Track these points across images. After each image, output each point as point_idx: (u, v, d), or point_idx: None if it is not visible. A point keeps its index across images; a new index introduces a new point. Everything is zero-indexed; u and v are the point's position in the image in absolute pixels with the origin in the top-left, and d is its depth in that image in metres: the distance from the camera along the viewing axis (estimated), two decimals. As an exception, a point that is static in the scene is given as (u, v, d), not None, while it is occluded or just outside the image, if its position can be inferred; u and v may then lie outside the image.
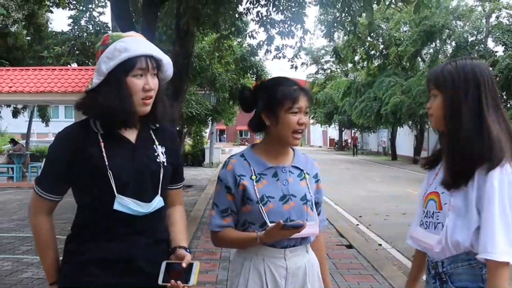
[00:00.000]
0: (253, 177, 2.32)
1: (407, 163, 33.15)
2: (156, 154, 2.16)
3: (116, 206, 2.03)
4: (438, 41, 27.17)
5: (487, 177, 1.93)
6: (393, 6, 7.94)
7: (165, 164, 2.16)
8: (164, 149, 2.20)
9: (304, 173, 2.43)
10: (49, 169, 2.15)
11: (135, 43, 2.09)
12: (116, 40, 2.10)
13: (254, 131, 2.44)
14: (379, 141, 47.70)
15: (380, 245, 8.62)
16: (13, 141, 21.37)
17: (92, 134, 2.10)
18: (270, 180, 2.33)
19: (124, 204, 2.04)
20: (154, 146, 2.18)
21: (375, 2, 5.45)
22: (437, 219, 2.10)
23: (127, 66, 2.05)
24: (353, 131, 47.46)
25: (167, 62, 2.18)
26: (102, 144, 2.08)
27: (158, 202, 2.11)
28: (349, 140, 60.52)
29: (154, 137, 2.20)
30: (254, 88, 2.45)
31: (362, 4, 5.78)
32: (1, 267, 6.59)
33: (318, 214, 2.47)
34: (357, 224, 10.63)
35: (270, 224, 2.21)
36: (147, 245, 2.11)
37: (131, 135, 2.15)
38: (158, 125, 2.23)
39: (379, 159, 38.48)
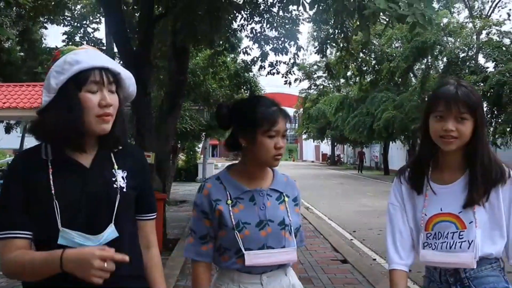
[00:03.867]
0: (229, 201, 2.20)
1: (400, 178, 33.19)
2: (113, 179, 1.93)
3: (60, 241, 1.78)
4: (429, 57, 27.43)
5: (503, 192, 2.19)
6: (390, 26, 8.07)
7: (124, 190, 1.93)
8: (125, 174, 1.97)
9: (283, 196, 2.30)
10: (3, 203, 1.86)
11: (87, 55, 1.87)
12: (67, 53, 1.89)
13: (229, 150, 2.33)
14: (371, 156, 47.88)
15: (375, 259, 8.67)
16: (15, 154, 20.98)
17: (41, 161, 1.88)
18: (246, 205, 2.22)
19: (69, 238, 1.79)
20: (113, 170, 1.95)
21: (372, 22, 5.56)
22: (461, 238, 2.17)
23: (80, 79, 1.82)
24: (356, 147, 47.27)
25: (128, 77, 1.97)
26: (51, 171, 1.85)
27: (110, 233, 1.85)
28: (341, 155, 60.74)
29: (113, 160, 1.97)
30: (232, 106, 2.31)
31: (358, 23, 5.87)
32: (-3, 283, 6.59)
33: (296, 238, 2.32)
34: (351, 239, 10.68)
35: (245, 252, 2.14)
36: (108, 283, 1.73)
37: (86, 159, 1.92)
38: (120, 147, 2.01)
39: (371, 174, 38.60)
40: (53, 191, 1.81)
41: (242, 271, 2.20)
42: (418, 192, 2.28)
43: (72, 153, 1.90)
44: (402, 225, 2.32)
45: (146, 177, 2.11)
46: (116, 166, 1.96)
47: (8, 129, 26.74)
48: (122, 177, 1.96)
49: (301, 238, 2.42)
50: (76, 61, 1.83)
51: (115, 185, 1.92)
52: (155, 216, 2.15)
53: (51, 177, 1.84)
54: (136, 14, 12.87)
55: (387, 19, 5.27)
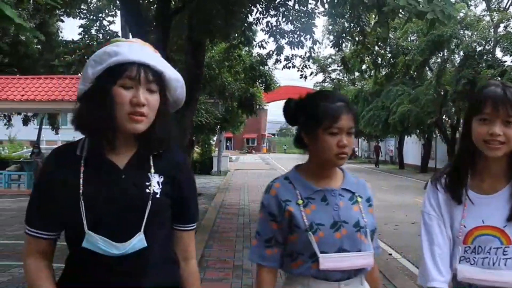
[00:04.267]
0: (300, 201, 2.05)
1: (415, 172, 33.18)
2: (147, 183, 1.79)
3: (85, 244, 1.70)
4: (446, 50, 27.23)
5: None
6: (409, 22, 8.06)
7: (157, 196, 1.79)
8: (162, 179, 1.83)
9: (356, 197, 2.15)
10: (34, 201, 1.83)
11: (129, 48, 1.76)
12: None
13: (298, 147, 2.20)
14: (386, 150, 47.70)
15: (391, 254, 8.68)
16: (36, 147, 20.32)
17: (75, 157, 1.79)
18: (318, 205, 2.06)
19: (94, 242, 1.70)
20: (149, 174, 1.81)
21: (391, 18, 5.54)
22: (505, 255, 2.00)
23: (115, 72, 1.71)
24: (372, 141, 47.02)
25: (174, 78, 1.84)
26: (82, 169, 1.76)
27: (137, 241, 1.73)
28: (356, 149, 60.59)
29: (151, 163, 1.83)
30: (298, 101, 2.16)
31: (376, 19, 5.87)
32: (18, 274, 6.70)
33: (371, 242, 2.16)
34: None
35: (320, 255, 1.99)
36: None
37: (122, 159, 1.81)
38: (161, 151, 1.87)
39: (386, 168, 38.47)
40: (81, 191, 1.71)
41: (318, 278, 2.04)
42: (458, 202, 2.08)
43: (107, 152, 1.78)
44: (440, 238, 2.10)
45: (187, 184, 1.94)
46: (153, 170, 1.83)
47: (25, 121, 27.06)
48: (158, 182, 1.82)
49: (377, 243, 2.22)
50: (115, 53, 1.73)
51: (147, 190, 1.78)
52: (194, 226, 2.02)
53: (81, 175, 1.74)
54: (152, 7, 12.94)
55: (406, 16, 5.25)
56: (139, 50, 1.77)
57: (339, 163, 2.08)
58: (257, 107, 22.89)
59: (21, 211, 9.68)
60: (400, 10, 4.92)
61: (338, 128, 2.00)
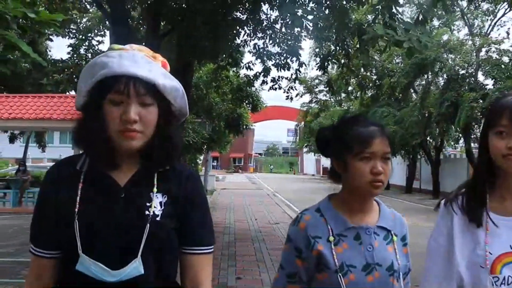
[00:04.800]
0: (331, 238, 1.87)
1: (400, 192, 33.51)
2: (148, 204, 1.65)
3: (78, 267, 1.58)
4: (430, 73, 27.69)
5: None
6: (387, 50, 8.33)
7: (157, 218, 1.64)
8: (166, 199, 1.68)
9: (391, 235, 1.97)
10: (35, 217, 1.74)
11: (119, 59, 1.62)
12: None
13: (333, 180, 2.03)
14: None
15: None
16: (22, 165, 19.90)
17: (75, 172, 1.69)
18: (351, 244, 1.88)
19: (87, 266, 1.57)
20: (151, 193, 1.67)
21: (371, 46, 5.81)
22: None
23: (104, 86, 1.59)
24: None
25: (171, 86, 1.68)
26: (80, 185, 1.65)
27: (132, 268, 1.57)
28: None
29: (155, 181, 1.69)
30: (330, 127, 2.02)
31: (358, 47, 6.14)
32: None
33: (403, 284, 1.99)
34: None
35: None
36: None
37: (123, 177, 1.68)
38: (168, 168, 1.73)
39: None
40: (76, 209, 1.61)
41: None
42: (477, 225, 1.84)
43: (108, 168, 1.67)
44: (449, 272, 1.86)
45: (196, 203, 1.77)
46: (155, 189, 1.68)
47: (12, 139, 27.03)
48: (160, 203, 1.67)
49: (408, 283, 2.04)
50: (103, 65, 1.62)
51: (147, 212, 1.64)
52: (208, 250, 1.79)
53: (79, 192, 1.64)
54: (141, 28, 13.17)
55: (385, 44, 5.50)
56: (129, 60, 1.62)
57: (374, 192, 1.89)
58: (244, 127, 23.14)
59: (5, 229, 9.77)
60: (379, 39, 5.17)
61: (371, 153, 1.84)
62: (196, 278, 1.76)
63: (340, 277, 1.83)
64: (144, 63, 1.65)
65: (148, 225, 1.61)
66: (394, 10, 5.08)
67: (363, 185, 1.85)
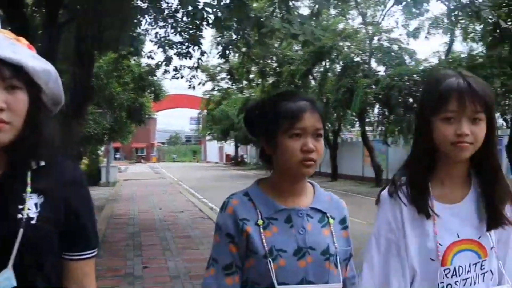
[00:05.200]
0: (260, 221, 1.74)
1: (301, 176, 34.57)
2: (21, 206, 1.42)
3: None
4: (327, 60, 28.70)
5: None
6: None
7: (32, 221, 1.42)
8: (42, 199, 1.46)
9: (327, 217, 1.84)
10: None
11: None
12: None
13: (264, 164, 1.89)
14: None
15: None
16: None
17: None
18: (281, 227, 1.76)
19: None
20: (24, 194, 1.44)
21: (269, 38, 6.07)
22: (482, 269, 1.74)
23: None
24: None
25: (42, 69, 1.46)
26: None
27: (3, 280, 1.36)
28: (245, 156, 61.77)
29: (28, 180, 1.46)
30: (256, 104, 1.88)
31: (257, 39, 6.40)
32: None
33: (345, 270, 1.87)
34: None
35: (278, 287, 1.70)
36: None
37: None
38: (43, 163, 1.50)
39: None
40: None
41: None
42: (426, 216, 1.73)
43: None
44: (400, 270, 1.73)
45: (80, 203, 1.58)
46: (29, 189, 1.45)
47: None
48: (36, 204, 1.45)
49: (352, 271, 1.93)
50: None
51: (19, 215, 1.41)
52: (92, 254, 1.64)
53: None
54: (36, 15, 12.70)
55: (282, 36, 5.77)
56: None
57: (305, 172, 1.74)
58: (146, 116, 22.94)
59: None
60: (277, 32, 5.43)
61: (301, 129, 1.70)
62: (81, 284, 1.61)
63: (269, 263, 1.69)
64: (7, 44, 1.42)
65: (22, 230, 1.39)
66: (290, 3, 5.36)
67: (294, 164, 1.71)
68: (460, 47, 23.06)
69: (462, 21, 17.37)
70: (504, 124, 19.11)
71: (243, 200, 1.81)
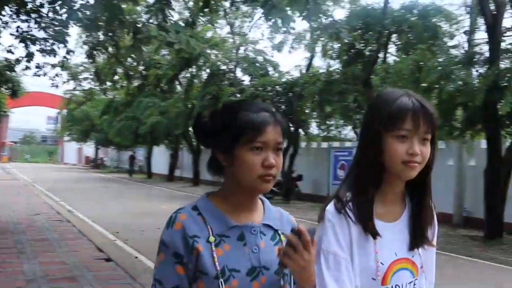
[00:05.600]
0: (211, 238, 1.61)
1: (162, 181, 34.58)
2: None
3: None
4: (194, 67, 28.99)
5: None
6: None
7: None
8: None
9: (278, 235, 1.74)
10: None
11: None
12: None
13: (214, 174, 1.75)
14: (136, 160, 48.47)
15: (136, 257, 9.24)
16: None
17: None
18: (234, 245, 1.64)
19: None
20: None
21: (144, 44, 6.15)
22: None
23: None
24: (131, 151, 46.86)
25: None
26: None
27: None
28: (105, 158, 60.11)
29: None
30: (212, 113, 1.74)
31: (132, 44, 6.45)
32: None
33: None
34: (115, 240, 11.09)
35: None
36: None
37: None
38: None
39: (136, 178, 39.17)
40: None
41: None
42: (373, 235, 1.70)
43: None
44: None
45: None
46: None
47: None
48: None
49: None
50: None
51: None
52: None
53: None
54: None
55: (157, 44, 5.89)
56: None
57: (263, 188, 1.63)
58: (0, 113, 21.65)
59: None
60: (153, 39, 5.54)
61: (262, 142, 1.59)
62: None
63: (221, 284, 1.57)
64: None
65: None
66: (167, 12, 5.50)
67: (253, 179, 1.60)
68: (320, 62, 24.43)
69: (322, 39, 18.47)
70: (355, 137, 20.52)
71: (192, 214, 1.66)
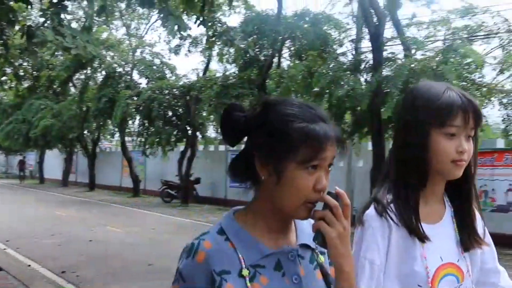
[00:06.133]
0: (245, 272, 1.29)
1: (55, 186, 33.38)
2: None
3: None
4: (89, 69, 28.29)
5: None
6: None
7: None
8: None
9: (316, 255, 1.44)
10: None
11: None
12: None
13: (241, 181, 1.39)
14: (26, 165, 46.36)
15: (29, 265, 9.00)
16: None
17: None
18: (272, 277, 1.32)
19: None
20: None
21: (40, 48, 6.05)
22: None
23: None
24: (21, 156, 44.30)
25: None
26: None
27: None
28: None
29: None
30: (254, 110, 1.37)
31: (25, 47, 6.33)
32: None
33: None
34: (5, 249, 10.70)
35: None
36: None
37: None
38: None
39: (27, 183, 37.51)
40: None
41: None
42: (422, 239, 1.57)
43: None
44: None
45: None
46: None
47: None
48: None
49: None
50: None
51: None
52: None
53: None
54: None
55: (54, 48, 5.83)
56: None
57: (305, 216, 1.33)
58: None
59: None
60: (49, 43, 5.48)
61: (321, 160, 1.29)
62: None
63: None
64: None
65: None
66: (63, 16, 5.47)
67: (298, 205, 1.30)
68: (217, 66, 24.71)
69: (219, 44, 18.78)
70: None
71: (219, 241, 1.32)
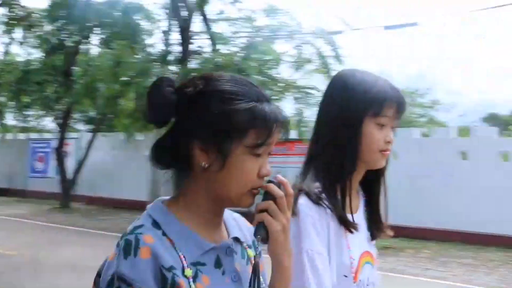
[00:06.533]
0: (187, 271, 1.15)
1: None
2: None
3: None
4: None
5: None
6: None
7: None
8: None
9: (244, 249, 1.33)
10: None
11: None
12: None
13: (167, 167, 1.25)
14: None
15: None
16: None
17: None
18: (213, 276, 1.20)
19: None
20: None
21: None
22: (372, 280, 1.65)
23: None
24: None
25: None
26: None
27: None
28: None
29: None
30: (183, 86, 1.22)
31: None
32: None
33: None
34: None
35: None
36: None
37: None
38: None
39: None
40: None
41: None
42: (350, 230, 1.56)
43: None
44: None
45: None
46: None
47: None
48: None
49: None
50: None
51: None
52: None
53: None
54: None
55: None
56: None
57: (248, 204, 1.22)
58: None
59: None
60: None
61: (268, 145, 1.20)
62: None
63: None
64: None
65: None
66: None
67: (243, 192, 1.20)
68: (19, 50, 22.89)
69: (19, 28, 17.65)
70: (57, 127, 19.86)
71: (158, 235, 1.16)
